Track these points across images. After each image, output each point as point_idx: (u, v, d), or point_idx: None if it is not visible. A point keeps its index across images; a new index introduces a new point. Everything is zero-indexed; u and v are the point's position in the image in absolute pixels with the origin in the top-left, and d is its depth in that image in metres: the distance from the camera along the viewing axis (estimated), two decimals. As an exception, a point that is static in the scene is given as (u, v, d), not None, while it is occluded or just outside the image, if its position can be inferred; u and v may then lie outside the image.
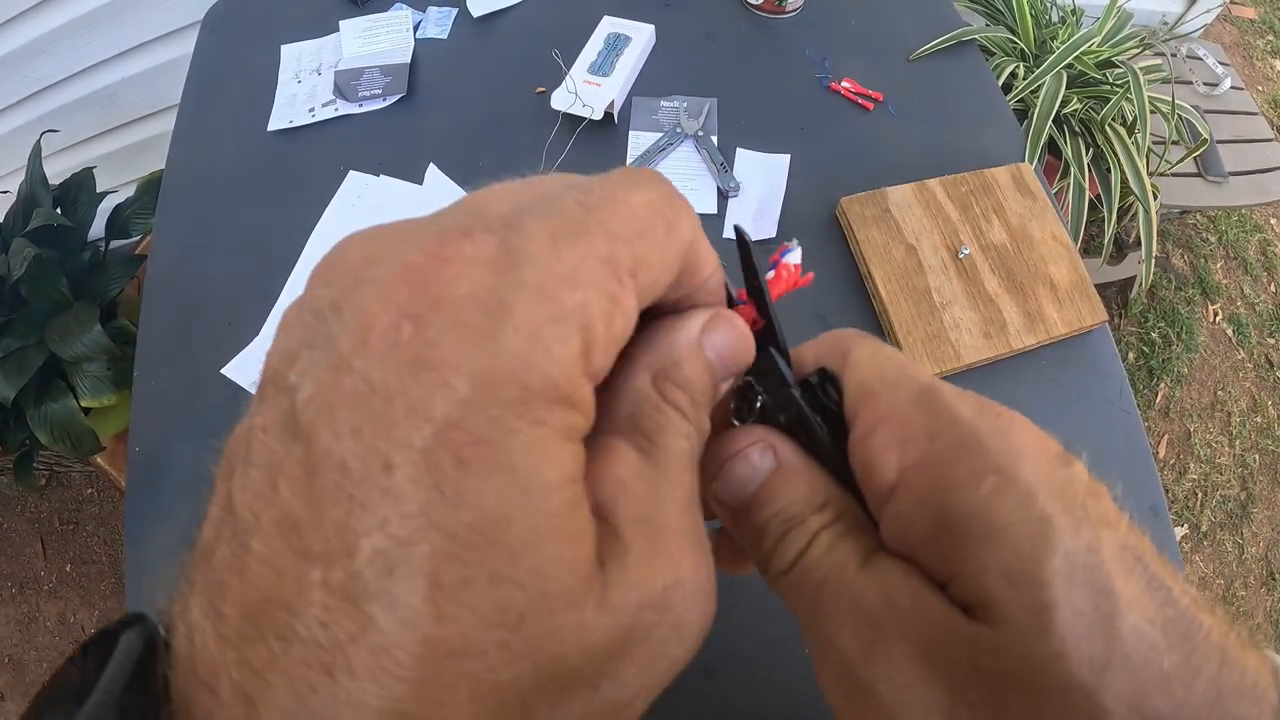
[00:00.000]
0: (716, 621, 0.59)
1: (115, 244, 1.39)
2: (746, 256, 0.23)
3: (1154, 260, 1.25)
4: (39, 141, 1.31)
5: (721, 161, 0.86)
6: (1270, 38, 2.44)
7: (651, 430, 0.18)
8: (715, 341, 0.20)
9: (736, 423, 0.23)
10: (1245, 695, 0.16)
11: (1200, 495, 1.69)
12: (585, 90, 0.88)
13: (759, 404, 0.23)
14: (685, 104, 0.91)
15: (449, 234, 0.15)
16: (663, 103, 0.92)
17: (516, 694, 0.14)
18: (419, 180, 0.87)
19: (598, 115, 0.87)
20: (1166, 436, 1.75)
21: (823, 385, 0.22)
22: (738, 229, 0.23)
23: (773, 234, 0.83)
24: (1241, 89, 1.67)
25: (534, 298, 0.14)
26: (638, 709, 0.16)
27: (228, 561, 0.14)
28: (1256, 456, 1.73)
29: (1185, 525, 1.66)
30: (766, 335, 0.22)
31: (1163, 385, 1.79)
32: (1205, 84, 1.65)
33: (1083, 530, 0.17)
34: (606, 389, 0.19)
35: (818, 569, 0.20)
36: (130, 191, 1.42)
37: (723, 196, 0.85)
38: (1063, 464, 0.19)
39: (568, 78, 0.89)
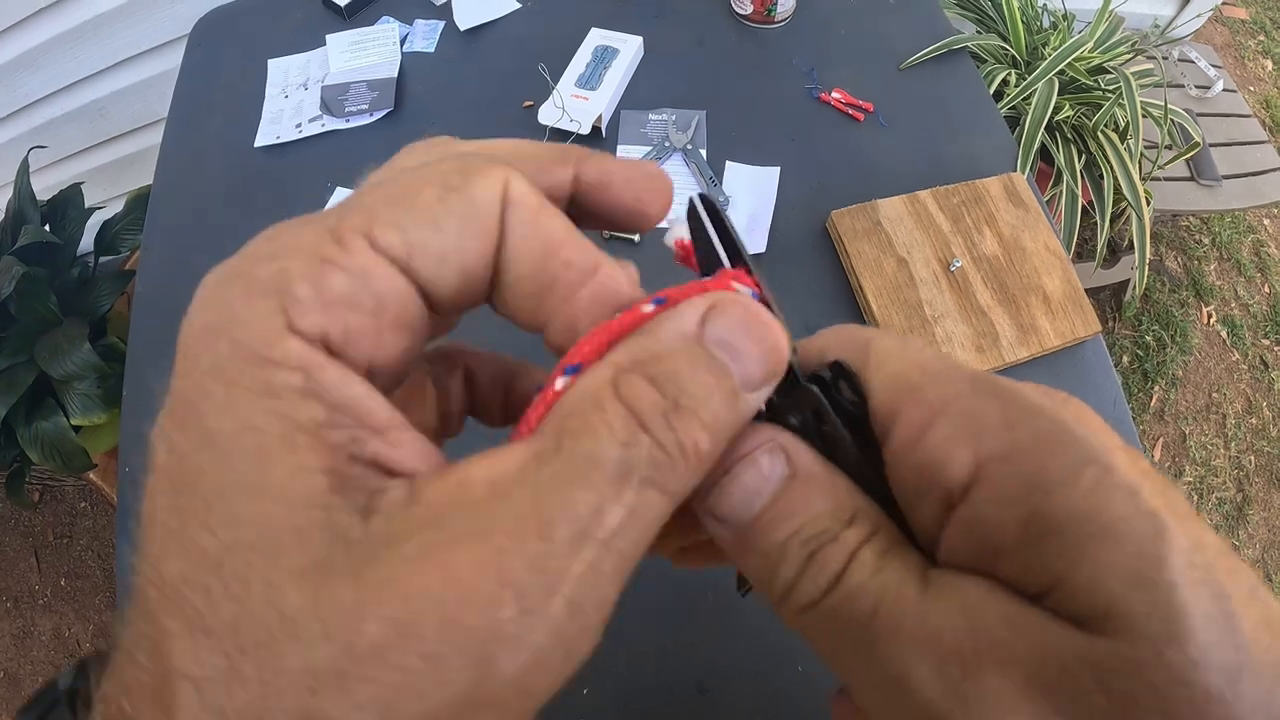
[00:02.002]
0: (710, 635, 0.57)
1: (104, 260, 1.38)
2: (718, 222, 0.18)
3: (1147, 265, 1.24)
4: (26, 157, 1.30)
5: (711, 175, 0.86)
6: (1261, 38, 2.44)
7: (571, 428, 0.15)
8: (723, 330, 0.16)
9: None
10: None
11: (1196, 498, 1.68)
12: (573, 104, 0.88)
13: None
14: (674, 117, 0.91)
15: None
16: (651, 116, 0.91)
17: (219, 643, 0.13)
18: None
19: (585, 130, 0.86)
20: (1161, 439, 1.74)
21: (835, 381, 0.18)
22: (702, 197, 0.19)
23: (762, 249, 0.82)
24: (1234, 91, 1.67)
25: (227, 280, 0.15)
26: None
27: None
28: (1252, 458, 1.73)
29: (1182, 528, 1.66)
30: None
31: (1157, 388, 1.79)
32: (1197, 87, 1.64)
33: (1189, 526, 0.15)
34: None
35: (865, 595, 0.16)
36: (120, 206, 1.42)
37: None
38: (1136, 455, 0.16)
39: (555, 92, 0.88)
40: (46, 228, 1.29)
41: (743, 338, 0.16)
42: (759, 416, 0.18)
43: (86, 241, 1.37)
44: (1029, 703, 0.14)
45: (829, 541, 0.17)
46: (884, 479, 0.18)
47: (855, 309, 0.80)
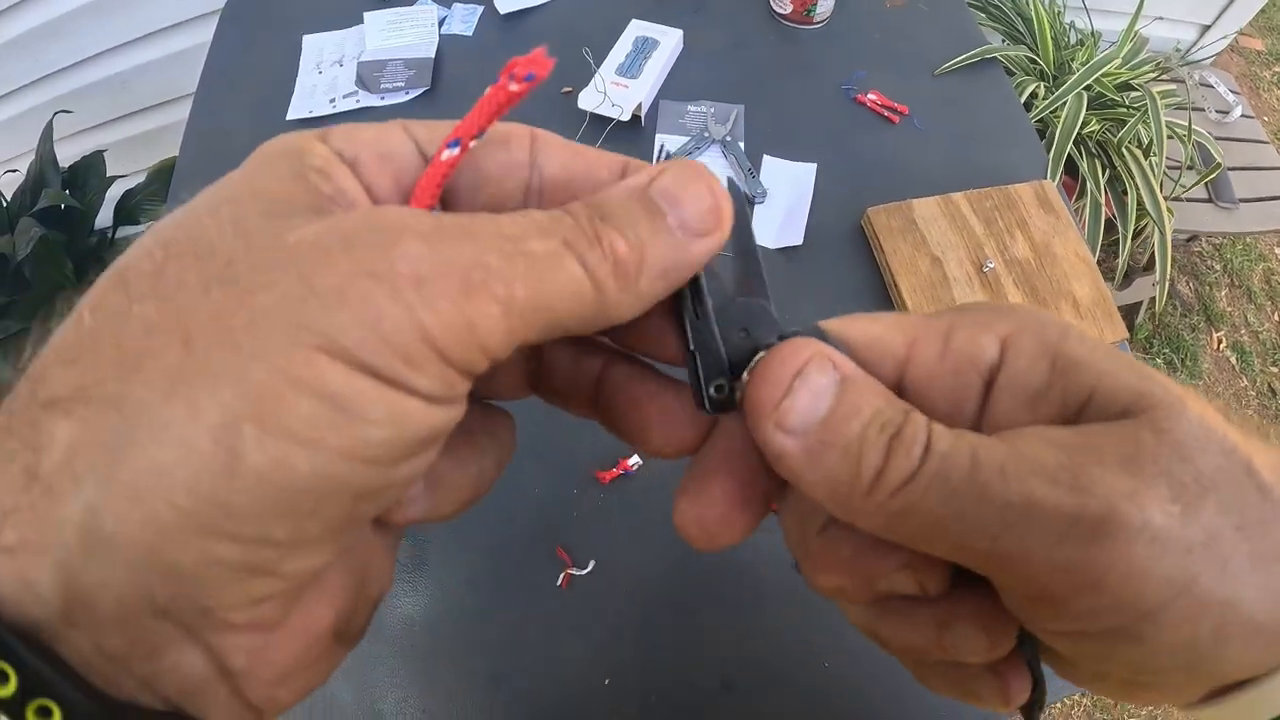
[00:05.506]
0: (734, 632, 0.56)
1: (123, 231, 1.37)
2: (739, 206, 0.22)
3: (1167, 281, 1.25)
4: (50, 122, 1.30)
5: (749, 167, 0.86)
6: (1277, 69, 2.47)
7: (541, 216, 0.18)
8: (665, 182, 0.18)
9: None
10: None
11: (1201, 521, 1.68)
12: (614, 91, 0.87)
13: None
14: (713, 109, 0.91)
15: None
16: (690, 107, 0.91)
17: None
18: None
19: (626, 116, 0.86)
20: (1169, 461, 1.74)
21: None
22: (730, 180, 0.24)
23: (799, 242, 0.82)
24: (1252, 117, 1.69)
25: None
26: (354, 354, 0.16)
27: None
28: (1258, 484, 1.74)
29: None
30: (755, 286, 0.22)
31: (1167, 410, 1.79)
32: (1217, 111, 1.66)
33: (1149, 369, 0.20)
34: None
35: (959, 454, 0.18)
36: (140, 179, 1.41)
37: (750, 203, 0.85)
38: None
39: (597, 76, 0.88)
40: (67, 193, 1.28)
41: (683, 190, 0.18)
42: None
43: (105, 215, 1.36)
44: (1130, 476, 0.17)
45: (906, 422, 0.19)
46: None
47: (890, 306, 0.80)
